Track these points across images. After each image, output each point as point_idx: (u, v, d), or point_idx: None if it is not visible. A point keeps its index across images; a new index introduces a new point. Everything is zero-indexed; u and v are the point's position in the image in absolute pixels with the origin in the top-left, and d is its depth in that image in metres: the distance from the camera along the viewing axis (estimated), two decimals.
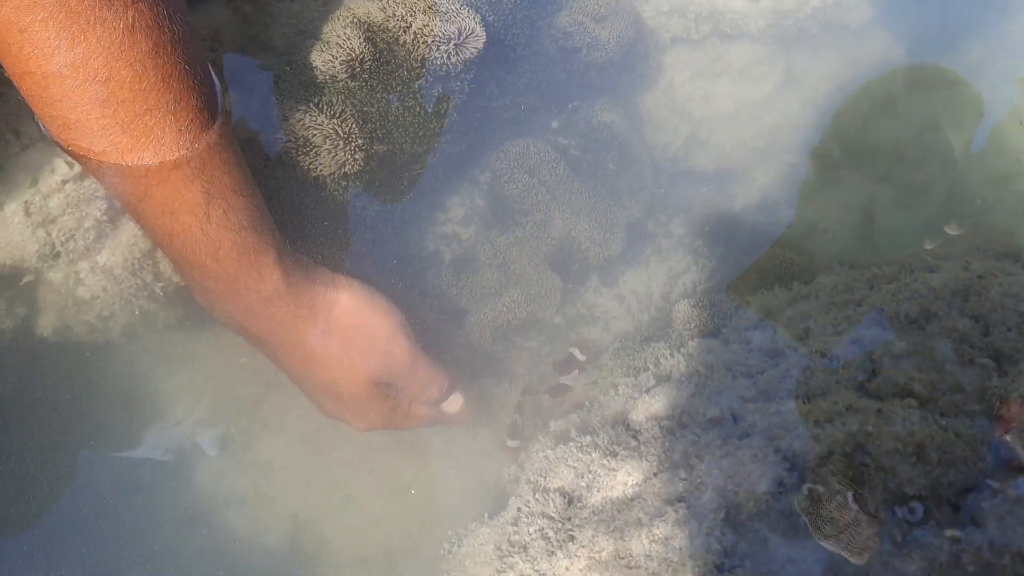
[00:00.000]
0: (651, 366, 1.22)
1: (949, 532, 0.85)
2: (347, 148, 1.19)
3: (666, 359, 1.18)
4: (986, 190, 1.53)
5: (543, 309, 1.41)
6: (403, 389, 1.19)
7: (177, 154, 0.96)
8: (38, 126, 1.12)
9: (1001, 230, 1.47)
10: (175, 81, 0.94)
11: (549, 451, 1.11)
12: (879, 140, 1.54)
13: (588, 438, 1.09)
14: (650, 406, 1.08)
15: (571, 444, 1.09)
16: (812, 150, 1.52)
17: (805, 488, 0.89)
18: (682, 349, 1.18)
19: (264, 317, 1.07)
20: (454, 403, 1.25)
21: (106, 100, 0.91)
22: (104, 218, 1.13)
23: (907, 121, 1.56)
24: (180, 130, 0.96)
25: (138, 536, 1.28)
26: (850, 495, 0.89)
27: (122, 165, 0.96)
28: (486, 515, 1.15)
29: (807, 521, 0.89)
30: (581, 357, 1.38)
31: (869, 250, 1.44)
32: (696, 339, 1.20)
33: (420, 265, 1.41)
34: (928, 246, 1.42)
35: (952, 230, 1.43)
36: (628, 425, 1.08)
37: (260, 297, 1.05)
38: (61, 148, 0.99)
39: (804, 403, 0.99)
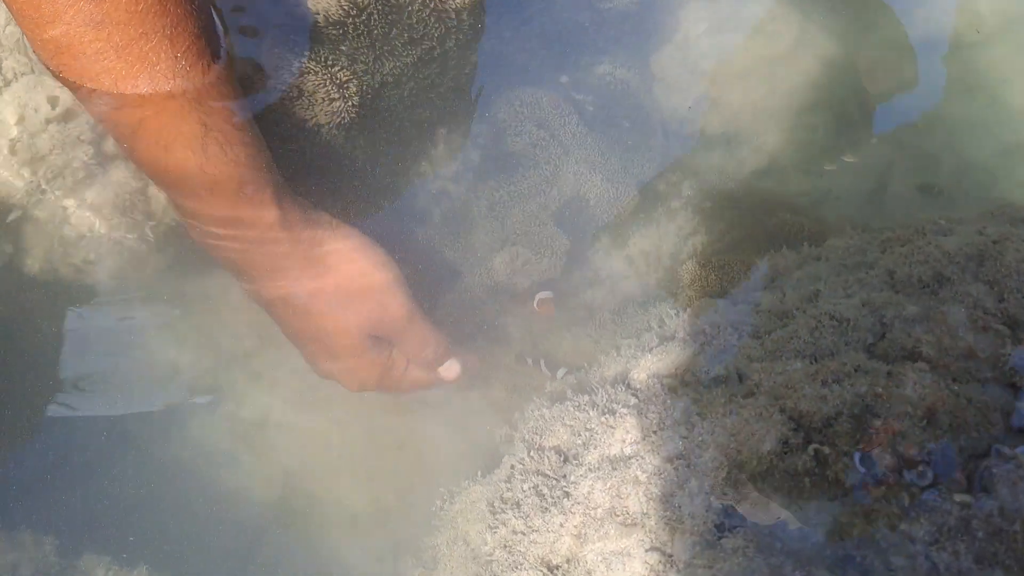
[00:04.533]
0: (655, 326, 1.18)
1: (959, 497, 0.81)
2: (342, 98, 1.16)
3: (671, 319, 1.15)
4: (996, 160, 1.49)
5: (548, 272, 1.37)
6: (398, 347, 1.16)
7: (173, 82, 0.93)
8: (27, 56, 1.08)
9: (1009, 202, 1.43)
10: (172, 4, 0.90)
11: (545, 410, 1.08)
12: (892, 104, 1.50)
13: (586, 397, 1.06)
14: (652, 364, 1.05)
15: (567, 403, 1.06)
16: (829, 111, 1.48)
17: (811, 448, 0.86)
18: (688, 309, 1.15)
19: (260, 258, 1.04)
20: (450, 369, 1.21)
21: (100, 22, 0.87)
22: (93, 162, 1.10)
23: (924, 88, 1.52)
24: (176, 56, 0.92)
25: (126, 484, 1.26)
26: (857, 457, 0.86)
27: (116, 93, 0.93)
28: (479, 473, 1.12)
29: (811, 482, 0.86)
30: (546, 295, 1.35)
31: (881, 217, 1.40)
32: (703, 299, 1.16)
33: (414, 218, 1.38)
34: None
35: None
36: (628, 383, 1.05)
37: (256, 236, 1.02)
38: (53, 75, 0.96)
39: (812, 363, 0.95)
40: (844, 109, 1.49)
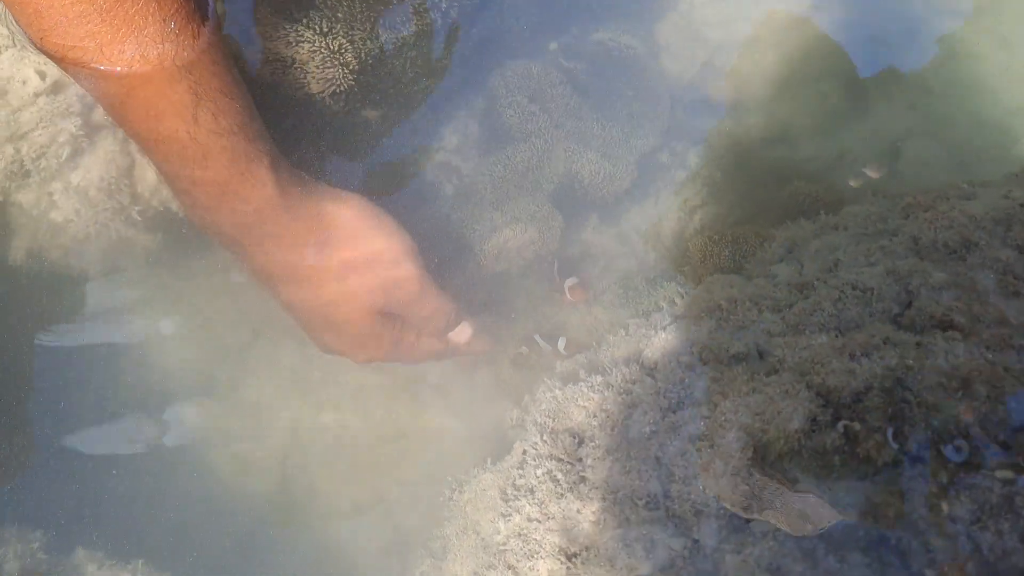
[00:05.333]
0: (664, 305, 1.14)
1: (1000, 473, 0.77)
2: (336, 64, 1.10)
3: (680, 298, 1.10)
4: (1007, 121, 1.44)
5: (544, 247, 1.33)
6: (408, 318, 1.10)
7: (161, 47, 0.87)
8: (8, 29, 1.03)
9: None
10: None
11: (557, 391, 1.03)
12: (905, 68, 1.45)
13: (599, 377, 1.01)
14: (667, 343, 1.00)
15: (581, 384, 1.02)
16: (842, 77, 1.43)
17: (841, 425, 0.82)
18: (701, 285, 1.10)
19: (257, 231, 0.98)
20: (462, 332, 1.16)
21: None
22: (80, 133, 1.05)
23: (931, 49, 1.47)
24: (164, 20, 0.86)
25: (121, 477, 1.21)
26: (890, 432, 0.81)
27: (102, 61, 0.87)
28: (488, 461, 1.07)
29: (841, 461, 0.81)
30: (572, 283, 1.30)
31: (896, 182, 1.36)
32: (716, 274, 1.12)
33: (417, 195, 1.32)
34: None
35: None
36: (642, 363, 1.01)
37: (252, 209, 0.96)
38: (35, 46, 0.90)
39: (837, 337, 0.91)
40: (855, 76, 1.44)
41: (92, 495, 1.19)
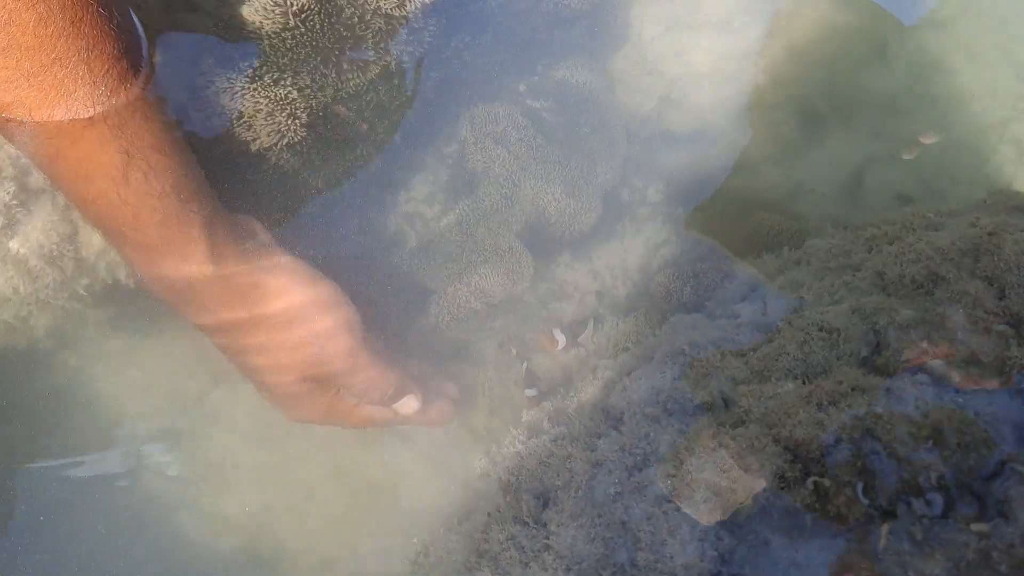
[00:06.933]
0: (631, 345, 1.11)
1: (976, 527, 0.74)
2: (286, 116, 1.07)
3: (647, 338, 1.07)
4: (979, 138, 1.42)
5: (515, 287, 1.29)
6: (345, 386, 1.08)
7: (92, 110, 0.85)
8: None
9: (998, 180, 1.38)
10: (87, 25, 0.82)
11: (520, 446, 1.00)
12: (870, 91, 1.42)
13: (563, 429, 0.98)
14: (631, 391, 0.97)
15: (544, 437, 0.98)
16: (798, 106, 1.40)
17: (810, 482, 0.79)
18: (664, 326, 1.07)
19: (187, 296, 0.96)
20: (407, 405, 1.12)
21: (6, 48, 0.79)
22: (14, 201, 1.01)
23: (900, 69, 1.44)
24: (94, 82, 0.84)
25: (85, 540, 1.18)
26: (860, 487, 0.78)
27: (31, 123, 0.84)
28: (455, 520, 1.04)
29: (812, 520, 0.79)
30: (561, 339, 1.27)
31: (860, 211, 1.33)
32: (679, 314, 1.09)
33: (381, 243, 1.29)
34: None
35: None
36: (608, 413, 0.97)
37: (182, 275, 0.94)
38: None
39: (804, 383, 0.88)
40: (811, 103, 1.42)
41: (55, 562, 1.16)
